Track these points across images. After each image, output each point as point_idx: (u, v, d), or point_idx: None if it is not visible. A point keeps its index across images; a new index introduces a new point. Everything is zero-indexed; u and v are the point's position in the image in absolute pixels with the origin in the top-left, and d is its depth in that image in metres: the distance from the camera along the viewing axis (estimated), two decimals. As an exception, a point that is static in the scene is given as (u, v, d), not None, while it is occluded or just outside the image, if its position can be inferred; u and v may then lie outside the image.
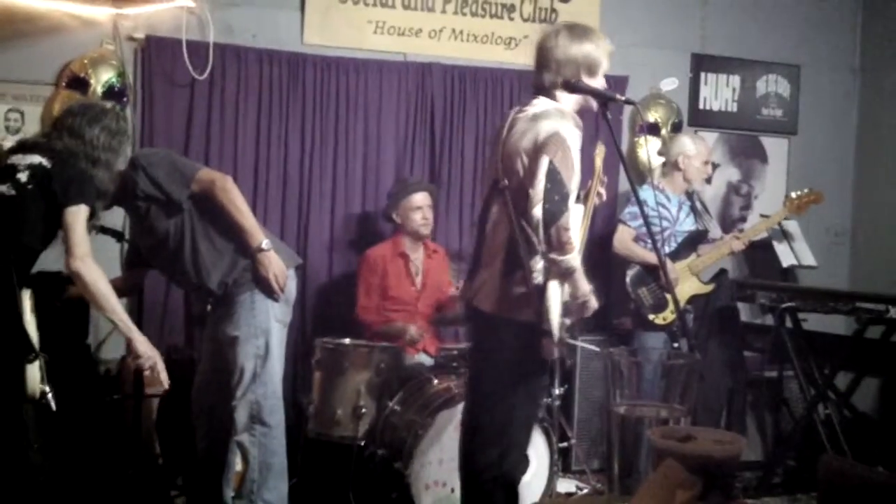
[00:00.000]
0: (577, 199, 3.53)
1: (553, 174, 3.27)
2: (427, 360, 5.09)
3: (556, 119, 3.37)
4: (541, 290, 3.34)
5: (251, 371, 4.04)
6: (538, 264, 3.34)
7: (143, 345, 3.75)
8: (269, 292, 4.04)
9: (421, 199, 5.22)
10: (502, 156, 3.49)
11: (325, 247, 5.53)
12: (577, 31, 3.51)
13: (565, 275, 3.33)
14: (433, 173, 5.70)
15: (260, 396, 4.06)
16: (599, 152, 4.58)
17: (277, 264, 4.02)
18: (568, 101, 3.49)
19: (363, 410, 4.61)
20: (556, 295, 3.35)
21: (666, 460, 2.09)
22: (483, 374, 3.59)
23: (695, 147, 5.50)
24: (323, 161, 5.49)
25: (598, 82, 3.52)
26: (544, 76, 3.49)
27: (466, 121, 5.71)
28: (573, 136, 3.36)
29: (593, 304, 3.42)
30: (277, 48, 5.39)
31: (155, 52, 5.16)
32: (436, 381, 4.69)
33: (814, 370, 5.30)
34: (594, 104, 3.54)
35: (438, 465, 4.41)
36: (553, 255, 3.29)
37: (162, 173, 3.96)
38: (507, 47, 5.79)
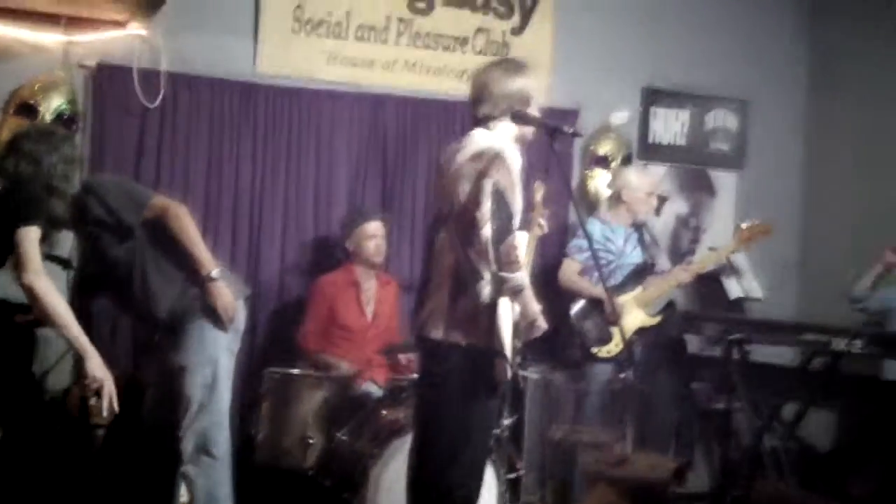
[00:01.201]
0: (521, 227, 3.58)
1: (497, 195, 3.36)
2: (376, 391, 5.08)
3: (495, 144, 3.47)
4: (489, 311, 3.41)
5: (198, 401, 4.01)
6: (485, 289, 3.41)
7: (96, 366, 3.65)
8: (218, 323, 4.02)
9: (375, 228, 5.24)
10: (444, 185, 3.60)
11: (276, 275, 5.52)
12: (512, 67, 3.68)
13: (515, 293, 3.40)
14: (385, 203, 5.71)
15: (207, 427, 4.03)
16: (538, 189, 4.63)
17: (226, 295, 4.01)
18: (504, 132, 3.58)
19: (311, 440, 4.59)
20: (505, 314, 3.42)
21: (598, 484, 2.11)
22: (434, 402, 3.59)
23: (638, 180, 5.57)
24: (274, 190, 5.49)
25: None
26: (480, 109, 3.60)
27: (419, 152, 5.74)
28: (514, 158, 3.45)
29: (542, 324, 3.50)
30: (230, 77, 5.39)
31: (106, 79, 5.14)
32: (384, 412, 4.68)
33: (760, 401, 5.35)
34: (529, 134, 3.64)
35: (387, 495, 4.38)
36: (503, 273, 3.36)
37: (114, 199, 3.95)
38: (460, 79, 5.79)
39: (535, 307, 3.48)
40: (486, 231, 3.37)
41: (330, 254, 5.60)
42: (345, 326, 5.20)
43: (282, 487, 4.75)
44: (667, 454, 6.09)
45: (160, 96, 5.16)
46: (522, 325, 3.49)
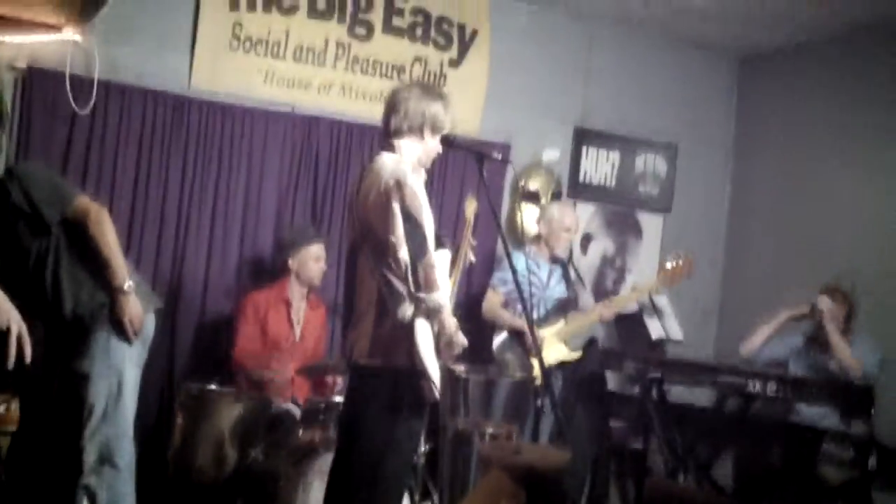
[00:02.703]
0: (441, 246, 3.62)
1: (407, 216, 3.43)
2: (295, 410, 5.04)
3: (396, 167, 3.54)
4: (410, 332, 3.43)
5: (101, 410, 3.92)
6: (406, 311, 3.45)
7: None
8: (122, 335, 3.94)
9: (319, 249, 5.27)
10: (356, 213, 3.66)
11: (200, 289, 5.47)
12: (431, 90, 3.78)
13: (433, 313, 3.44)
14: (314, 224, 5.70)
15: (110, 437, 3.94)
16: (470, 203, 4.65)
17: (135, 308, 3.94)
18: (409, 153, 3.66)
19: (225, 457, 4.52)
20: (425, 334, 3.44)
21: (492, 470, 2.14)
22: (358, 424, 3.60)
23: (558, 214, 5.61)
24: (202, 204, 5.45)
25: (435, 142, 3.71)
26: (392, 121, 3.68)
27: (350, 175, 5.73)
28: (416, 181, 3.53)
29: (460, 340, 3.53)
30: (163, 89, 5.35)
31: (36, 82, 5.07)
32: (301, 431, 4.64)
33: (676, 441, 5.40)
34: (433, 155, 3.72)
35: (300, 515, 4.34)
36: (421, 294, 3.42)
37: (38, 191, 3.86)
38: (395, 107, 5.85)
39: (452, 324, 3.51)
40: (403, 253, 3.44)
41: (255, 271, 5.57)
42: (273, 343, 5.17)
43: (194, 502, 4.67)
44: (582, 490, 6.13)
45: (91, 103, 5.11)
46: (441, 344, 3.50)
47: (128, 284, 3.91)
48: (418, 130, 3.67)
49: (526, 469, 2.11)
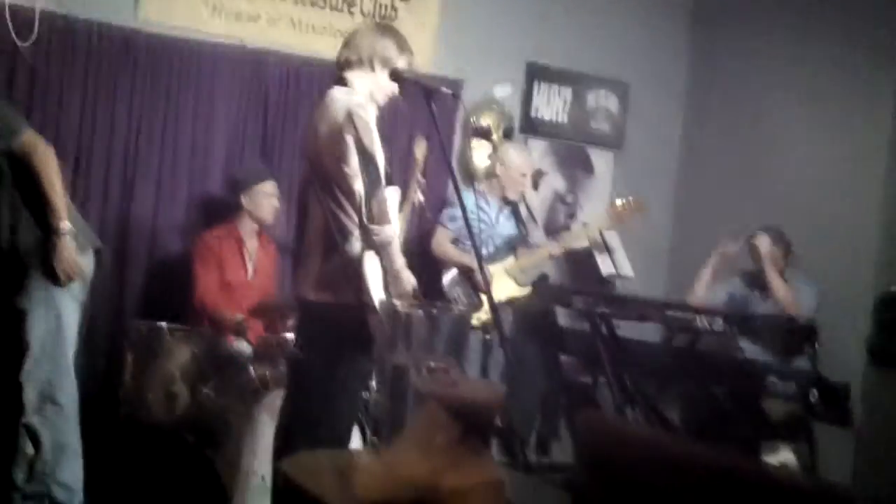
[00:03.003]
0: (391, 183, 3.62)
1: (361, 148, 3.44)
2: (246, 348, 5.04)
3: (349, 99, 3.54)
4: (358, 267, 3.44)
5: (40, 347, 3.89)
6: (355, 245, 3.47)
7: None
8: (52, 278, 3.88)
9: (272, 187, 5.24)
10: (309, 145, 3.67)
11: (149, 227, 5.41)
12: (384, 28, 3.82)
13: (382, 247, 3.47)
14: (264, 162, 5.64)
15: (51, 375, 3.92)
16: (419, 144, 4.63)
17: (68, 252, 3.88)
18: (360, 86, 3.65)
19: (176, 395, 4.53)
20: (373, 269, 3.46)
21: (429, 403, 2.17)
22: (308, 360, 3.64)
23: (516, 159, 5.61)
24: (150, 141, 5.37)
25: (387, 79, 3.68)
26: (342, 54, 3.70)
27: (300, 112, 5.65)
28: (370, 114, 3.54)
29: (407, 277, 3.57)
30: (109, 22, 5.24)
31: (-25, 14, 4.94)
32: (252, 369, 4.65)
33: (624, 375, 5.48)
34: (388, 92, 3.71)
35: (251, 454, 4.32)
36: (373, 227, 3.43)
37: None
38: (345, 41, 5.78)
39: (400, 260, 3.55)
40: (358, 185, 3.45)
41: (204, 209, 5.53)
42: (228, 283, 5.15)
43: (145, 441, 4.68)
44: (532, 425, 6.23)
45: (33, 35, 4.98)
46: (389, 280, 3.52)
47: (63, 226, 3.85)
48: (368, 64, 3.65)
49: (461, 402, 2.13)
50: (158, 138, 5.40)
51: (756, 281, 5.56)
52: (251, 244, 5.28)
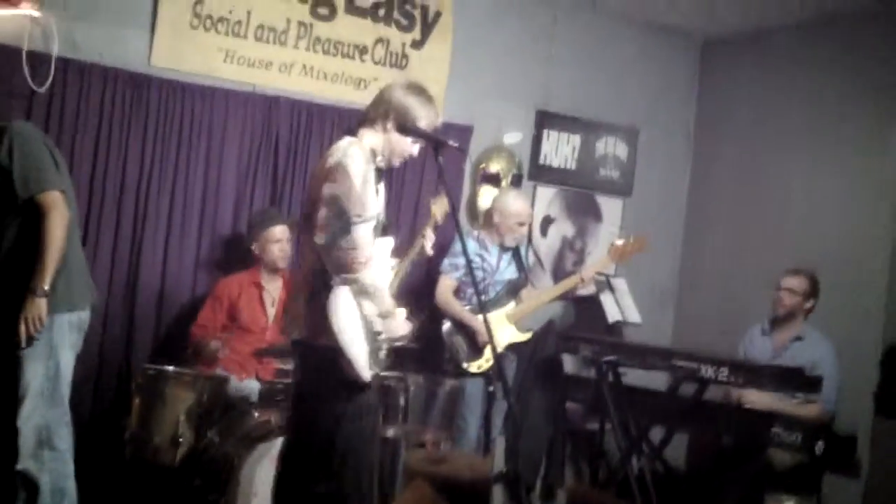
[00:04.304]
0: (386, 233, 3.72)
1: (333, 201, 3.48)
2: (255, 386, 5.05)
3: (344, 150, 3.57)
4: (324, 310, 3.50)
5: (38, 390, 3.89)
6: (329, 288, 3.52)
7: None
8: (13, 333, 3.85)
9: (280, 232, 5.29)
10: (308, 190, 3.75)
11: (159, 271, 5.44)
12: (411, 86, 3.80)
13: (363, 294, 3.51)
14: (274, 205, 5.69)
15: (49, 420, 3.91)
16: (440, 202, 4.68)
17: (38, 316, 3.84)
18: (369, 141, 3.69)
19: (181, 439, 4.54)
20: (345, 311, 3.50)
21: (416, 480, 2.19)
22: (299, 402, 3.70)
23: (513, 205, 5.61)
24: (161, 185, 5.42)
25: (401, 137, 3.71)
26: (368, 106, 3.79)
27: (310, 156, 5.72)
28: (357, 166, 3.53)
29: (400, 320, 3.62)
30: (123, 67, 5.31)
31: (-7, 58, 5.01)
32: (256, 414, 4.66)
33: (630, 423, 5.47)
34: (398, 146, 3.72)
35: (253, 497, 4.35)
36: (344, 276, 3.48)
37: (23, 159, 3.87)
38: (357, 88, 5.85)
39: (388, 303, 3.59)
40: (319, 238, 3.50)
41: (214, 253, 5.57)
42: (245, 327, 5.22)
43: (150, 485, 4.69)
44: (538, 471, 6.20)
45: (49, 81, 5.06)
46: (384, 323, 3.58)
47: (44, 289, 3.84)
48: (381, 119, 3.69)
49: (447, 479, 2.15)
50: (170, 181, 5.45)
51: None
52: (272, 287, 5.34)
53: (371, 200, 3.57)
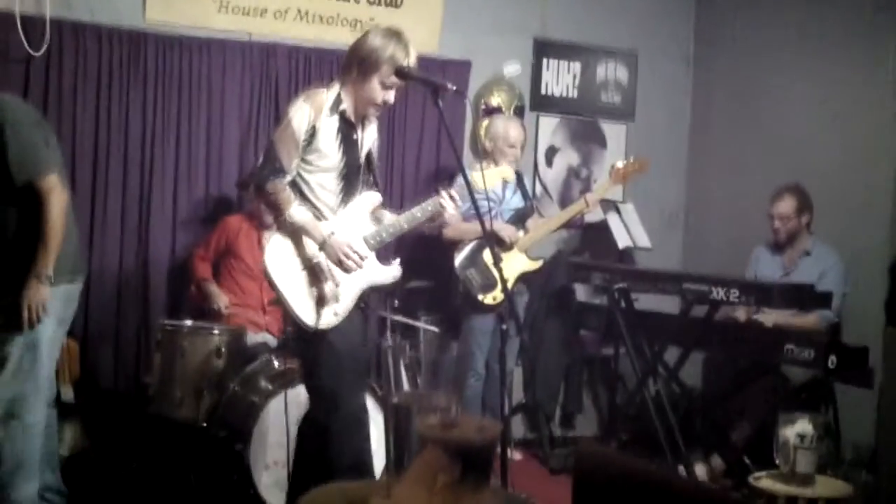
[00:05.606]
0: (374, 181, 3.94)
1: (269, 149, 3.72)
2: (271, 340, 5.12)
3: (293, 101, 3.76)
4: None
5: (16, 361, 3.81)
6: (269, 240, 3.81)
7: None
8: (15, 316, 3.78)
9: None
10: None
11: (168, 228, 5.49)
12: (385, 30, 3.78)
13: (294, 231, 3.71)
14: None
15: (23, 393, 3.82)
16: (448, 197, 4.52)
17: (39, 300, 3.78)
18: (335, 90, 3.77)
19: (204, 392, 4.61)
20: (277, 263, 3.73)
21: (428, 446, 2.24)
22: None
23: (501, 128, 5.55)
24: (165, 142, 5.44)
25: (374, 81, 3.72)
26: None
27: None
28: (298, 118, 3.66)
29: (337, 244, 3.70)
30: (118, 25, 5.30)
31: (-13, 26, 5.01)
32: (276, 363, 4.72)
33: (644, 347, 5.54)
34: (368, 103, 3.76)
35: (278, 446, 4.41)
36: (275, 219, 3.80)
37: (17, 144, 3.76)
38: (353, 29, 5.80)
39: (321, 232, 3.70)
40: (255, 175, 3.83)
41: (222, 205, 5.59)
42: (246, 263, 5.29)
43: (175, 438, 4.78)
44: (556, 399, 6.30)
45: (45, 44, 5.05)
46: (327, 251, 3.72)
47: (47, 273, 3.79)
48: (346, 69, 3.76)
49: (460, 444, 2.20)
50: (173, 136, 5.47)
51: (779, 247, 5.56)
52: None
53: (328, 151, 3.69)
